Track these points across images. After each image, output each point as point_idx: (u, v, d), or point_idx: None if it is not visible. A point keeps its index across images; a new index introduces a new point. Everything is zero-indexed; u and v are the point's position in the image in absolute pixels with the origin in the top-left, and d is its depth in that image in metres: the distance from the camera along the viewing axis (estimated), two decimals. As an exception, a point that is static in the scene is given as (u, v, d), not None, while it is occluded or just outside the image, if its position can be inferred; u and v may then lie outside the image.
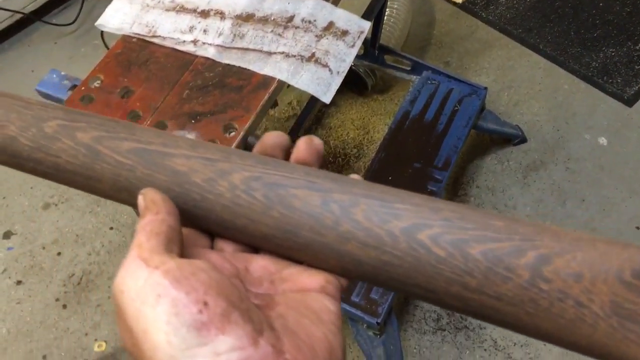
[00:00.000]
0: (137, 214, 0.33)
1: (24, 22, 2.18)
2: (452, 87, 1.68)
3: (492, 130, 1.78)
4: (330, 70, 1.03)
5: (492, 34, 2.08)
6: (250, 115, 0.98)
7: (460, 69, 2.01)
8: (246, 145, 0.98)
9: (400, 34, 1.97)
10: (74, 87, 1.08)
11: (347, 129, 1.96)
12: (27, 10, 2.12)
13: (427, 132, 1.63)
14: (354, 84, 1.93)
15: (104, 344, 1.65)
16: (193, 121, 0.97)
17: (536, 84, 1.96)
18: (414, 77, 1.74)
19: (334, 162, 1.88)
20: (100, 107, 1.00)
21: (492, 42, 2.06)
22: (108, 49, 2.17)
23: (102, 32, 2.20)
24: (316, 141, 0.37)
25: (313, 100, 1.40)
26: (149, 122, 0.97)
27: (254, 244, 0.35)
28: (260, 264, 0.33)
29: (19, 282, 1.75)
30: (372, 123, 1.96)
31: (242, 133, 0.96)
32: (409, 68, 1.74)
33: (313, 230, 0.32)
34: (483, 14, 2.11)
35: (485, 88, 1.67)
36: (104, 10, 2.30)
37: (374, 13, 1.43)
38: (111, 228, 1.84)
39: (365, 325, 1.42)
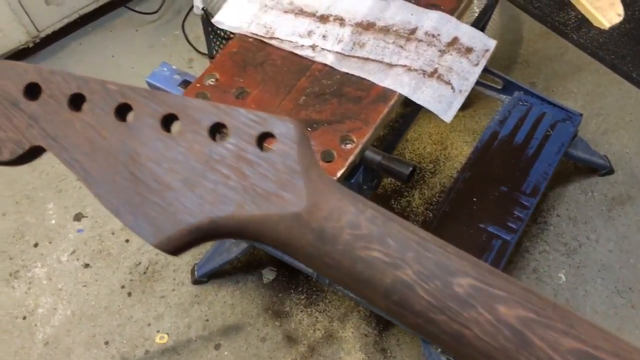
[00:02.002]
0: None
1: (109, 7, 2.20)
2: (545, 111, 1.62)
3: (581, 158, 1.71)
4: (452, 88, 0.99)
5: (582, 57, 2.00)
6: (369, 128, 0.94)
7: (547, 91, 1.94)
8: (362, 159, 0.94)
9: (488, 50, 1.91)
10: (184, 82, 1.07)
11: (423, 143, 1.91)
12: (114, -5, 2.14)
13: (516, 156, 1.57)
14: (435, 98, 1.89)
15: (166, 336, 1.65)
16: (309, 129, 0.95)
17: (627, 114, 1.88)
18: (504, 96, 1.69)
19: (408, 175, 1.84)
20: (215, 105, 0.98)
21: (582, 66, 1.98)
22: (188, 40, 2.18)
23: (183, 23, 2.21)
24: None
25: (411, 115, 1.37)
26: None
27: None
28: None
29: (86, 265, 1.76)
30: (451, 139, 1.91)
31: (359, 146, 0.93)
32: (499, 87, 1.68)
33: None
34: (574, 36, 2.03)
35: (581, 115, 1.60)
36: (187, 1, 2.31)
37: (480, 25, 1.39)
38: (180, 220, 1.83)
39: (440, 349, 1.37)
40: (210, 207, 0.30)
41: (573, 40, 2.04)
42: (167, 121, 0.31)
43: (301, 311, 1.67)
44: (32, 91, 0.31)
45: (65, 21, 2.12)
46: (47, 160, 1.94)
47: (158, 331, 1.65)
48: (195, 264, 1.70)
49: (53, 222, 1.83)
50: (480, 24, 1.35)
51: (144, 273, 1.74)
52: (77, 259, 1.77)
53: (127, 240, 1.80)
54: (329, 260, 0.30)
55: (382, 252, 0.29)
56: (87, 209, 1.85)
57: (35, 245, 1.79)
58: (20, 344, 1.63)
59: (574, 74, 1.97)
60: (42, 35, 2.09)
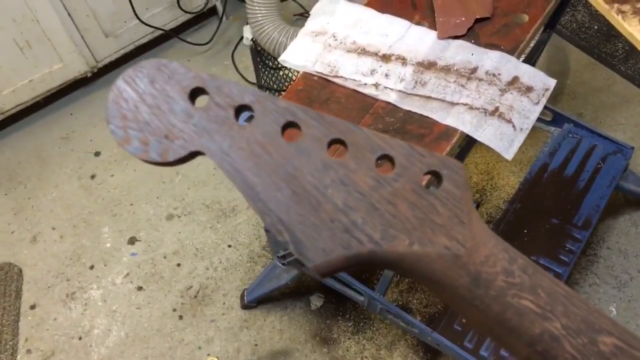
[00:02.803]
0: None
1: (163, 39, 2.29)
2: (595, 143, 1.62)
3: (632, 191, 1.70)
4: (513, 126, 1.01)
5: (630, 89, 2.00)
6: (433, 165, 0.97)
7: (594, 122, 1.94)
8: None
9: (535, 81, 1.93)
10: (250, 117, 1.12)
11: (470, 173, 1.92)
12: (168, 27, 2.23)
13: (566, 188, 1.57)
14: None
15: (216, 359, 1.68)
16: (374, 165, 0.98)
17: (677, 146, 1.86)
18: (552, 128, 1.70)
19: (455, 204, 1.85)
20: (282, 141, 1.02)
21: (630, 97, 1.98)
22: (237, 69, 2.25)
23: (232, 53, 2.28)
24: None
25: (466, 149, 1.39)
26: (330, 162, 0.98)
27: None
28: None
29: (139, 288, 1.81)
30: (497, 169, 1.92)
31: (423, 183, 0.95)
32: (548, 119, 1.70)
33: None
34: (622, 67, 2.03)
35: (632, 148, 1.60)
36: (237, 33, 2.39)
37: (532, 60, 1.41)
38: (229, 245, 1.88)
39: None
40: (371, 237, 0.30)
41: (620, 72, 2.05)
42: (333, 145, 0.31)
43: (349, 338, 1.69)
44: (198, 96, 0.31)
45: (122, 52, 2.22)
46: (103, 185, 2.02)
47: (208, 355, 1.69)
48: (245, 289, 1.74)
49: (108, 245, 1.90)
50: (532, 59, 1.37)
51: (195, 297, 1.79)
52: (131, 282, 1.83)
53: (178, 264, 1.85)
54: (479, 304, 0.30)
55: (533, 302, 0.30)
56: (140, 233, 1.92)
57: (91, 267, 1.86)
58: (77, 364, 1.68)
59: (622, 105, 1.97)
60: (100, 65, 2.19)
